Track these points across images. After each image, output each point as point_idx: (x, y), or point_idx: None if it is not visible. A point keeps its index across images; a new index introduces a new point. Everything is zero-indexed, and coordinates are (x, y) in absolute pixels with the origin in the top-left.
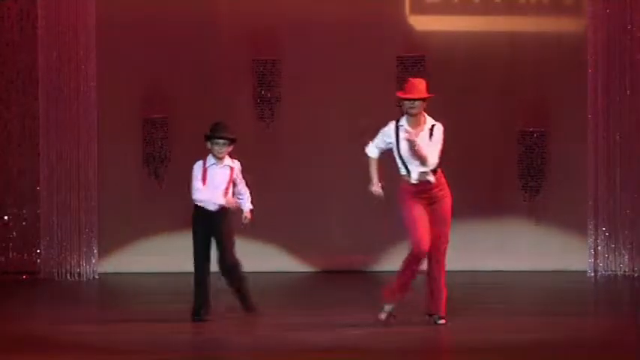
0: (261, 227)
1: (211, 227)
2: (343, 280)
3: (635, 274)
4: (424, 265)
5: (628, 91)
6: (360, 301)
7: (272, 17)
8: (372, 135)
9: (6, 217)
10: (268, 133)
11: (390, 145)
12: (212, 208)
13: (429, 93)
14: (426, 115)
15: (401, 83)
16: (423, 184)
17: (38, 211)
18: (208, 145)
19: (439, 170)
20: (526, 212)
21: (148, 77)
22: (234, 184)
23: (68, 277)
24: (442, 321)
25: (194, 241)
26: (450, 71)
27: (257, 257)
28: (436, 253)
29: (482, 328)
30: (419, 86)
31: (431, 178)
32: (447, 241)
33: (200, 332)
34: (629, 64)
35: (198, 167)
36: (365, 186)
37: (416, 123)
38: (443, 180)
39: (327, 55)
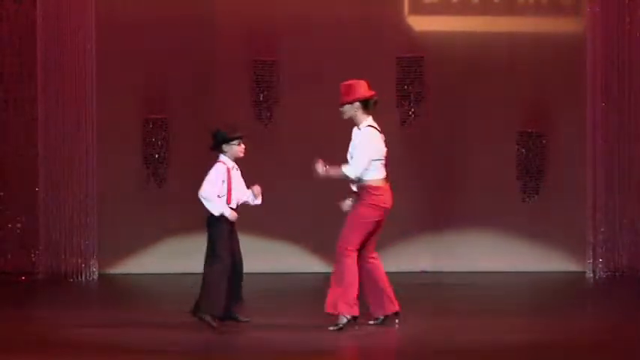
0: (260, 229)
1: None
2: None
3: (634, 275)
4: None
5: (626, 92)
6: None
7: (271, 18)
8: None
9: (4, 218)
10: (267, 134)
11: None
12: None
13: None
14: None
15: (401, 84)
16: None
17: (37, 212)
18: (232, 147)
19: (367, 182)
20: (525, 213)
21: (148, 78)
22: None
23: (67, 278)
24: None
25: None
26: (448, 71)
27: (257, 257)
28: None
29: (481, 329)
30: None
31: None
32: (345, 243)
33: (200, 333)
34: (627, 65)
35: (223, 171)
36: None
37: None
38: (366, 194)
39: (325, 55)
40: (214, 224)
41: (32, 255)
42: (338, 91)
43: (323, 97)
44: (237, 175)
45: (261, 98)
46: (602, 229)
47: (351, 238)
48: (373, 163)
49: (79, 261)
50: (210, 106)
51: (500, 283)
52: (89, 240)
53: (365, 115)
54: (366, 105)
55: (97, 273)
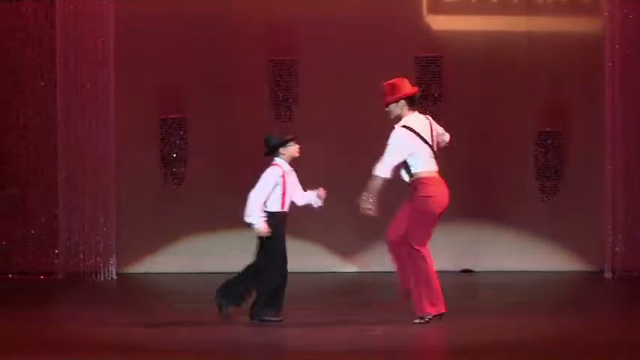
0: None
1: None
2: (357, 280)
3: None
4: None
5: None
6: (372, 302)
7: (289, 17)
8: (387, 135)
9: (24, 218)
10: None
11: None
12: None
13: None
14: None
15: (419, 84)
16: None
17: (56, 212)
18: (289, 148)
19: (419, 175)
20: (543, 213)
21: (165, 77)
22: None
23: (86, 277)
24: (417, 320)
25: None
26: (467, 71)
27: None
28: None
29: (497, 328)
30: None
31: (404, 178)
32: (411, 242)
33: (217, 332)
34: None
35: (278, 174)
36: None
37: None
38: (419, 186)
39: (344, 55)
40: (274, 225)
41: (51, 255)
42: (360, 90)
43: (342, 96)
44: (292, 178)
45: (280, 97)
46: (621, 229)
47: (417, 237)
48: (416, 157)
49: (98, 260)
50: (229, 105)
51: (517, 283)
52: (108, 240)
53: (410, 112)
54: (412, 102)
55: (115, 272)
